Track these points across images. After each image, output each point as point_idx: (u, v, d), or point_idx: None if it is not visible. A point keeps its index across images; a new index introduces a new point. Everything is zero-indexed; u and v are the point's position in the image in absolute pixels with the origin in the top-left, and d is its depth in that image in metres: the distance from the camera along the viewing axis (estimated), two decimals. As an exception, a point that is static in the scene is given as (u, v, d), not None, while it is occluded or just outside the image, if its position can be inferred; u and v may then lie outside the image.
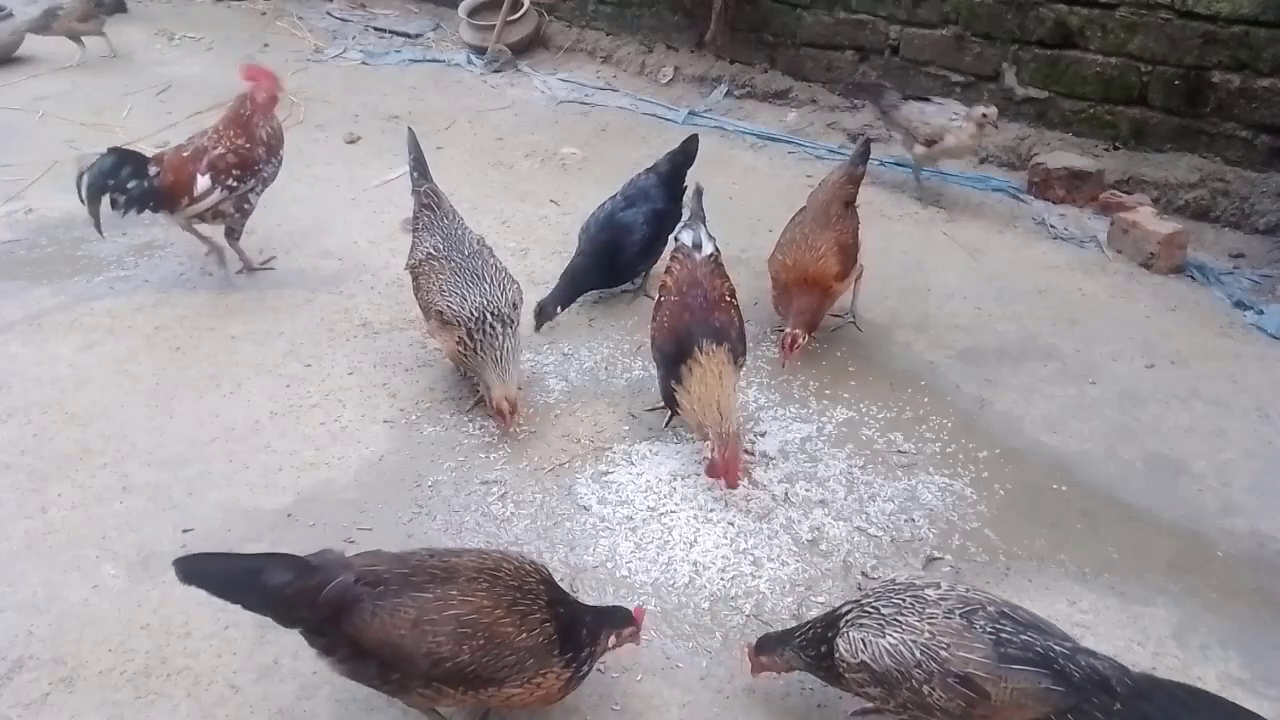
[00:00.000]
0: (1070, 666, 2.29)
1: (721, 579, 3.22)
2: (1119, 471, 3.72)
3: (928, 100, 5.54)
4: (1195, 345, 4.45)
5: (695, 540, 3.37)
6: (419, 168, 4.19)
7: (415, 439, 3.81)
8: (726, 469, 3.39)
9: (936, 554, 3.33)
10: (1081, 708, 2.27)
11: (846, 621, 2.49)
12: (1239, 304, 4.73)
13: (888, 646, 2.38)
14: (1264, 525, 3.47)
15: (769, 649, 2.69)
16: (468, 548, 2.71)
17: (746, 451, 3.76)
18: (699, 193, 4.02)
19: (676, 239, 3.89)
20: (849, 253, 4.18)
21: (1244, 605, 3.16)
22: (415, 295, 4.02)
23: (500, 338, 3.69)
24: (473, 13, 7.72)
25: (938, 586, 2.48)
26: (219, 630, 2.97)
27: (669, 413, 3.88)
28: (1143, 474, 3.71)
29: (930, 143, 5.41)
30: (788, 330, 3.98)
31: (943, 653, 2.31)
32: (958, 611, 2.37)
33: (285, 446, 3.76)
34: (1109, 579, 3.25)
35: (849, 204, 4.34)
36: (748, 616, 3.09)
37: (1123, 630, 3.06)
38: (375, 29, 8.26)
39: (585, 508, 3.50)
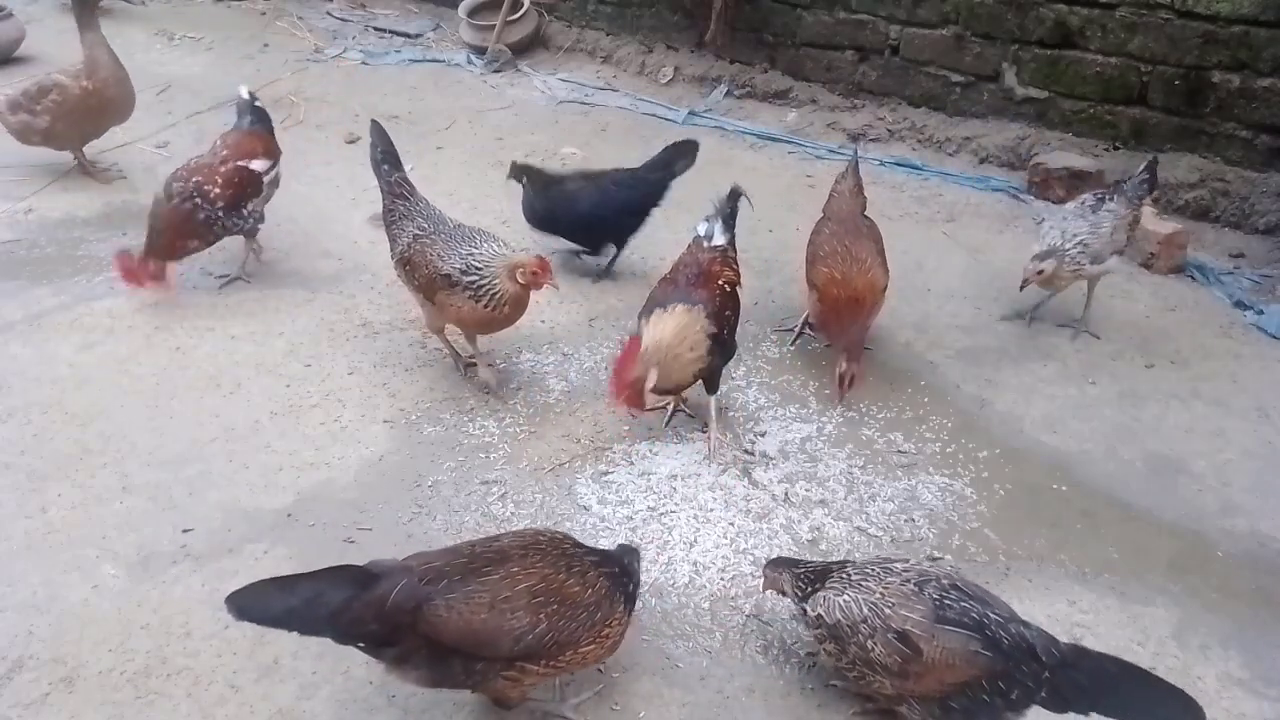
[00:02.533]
0: (1001, 634, 2.42)
1: (721, 579, 3.22)
2: (1119, 471, 3.72)
3: (1092, 200, 4.35)
4: (1195, 345, 4.45)
5: (695, 540, 3.37)
6: (388, 160, 4.10)
7: (415, 439, 3.81)
8: (614, 376, 3.49)
9: (936, 554, 3.33)
10: (1012, 675, 2.40)
11: (826, 583, 2.68)
12: (1239, 304, 4.73)
13: (841, 602, 2.59)
14: (1264, 525, 3.48)
15: (777, 567, 2.88)
16: (503, 533, 2.74)
17: (746, 451, 3.77)
18: (735, 194, 4.02)
19: (695, 231, 3.96)
20: (885, 259, 4.15)
21: (1244, 605, 3.17)
22: (411, 281, 3.92)
23: (489, 248, 3.74)
24: (473, 13, 7.72)
25: (906, 561, 2.69)
26: (219, 630, 2.97)
27: (669, 412, 3.90)
28: (1143, 474, 3.72)
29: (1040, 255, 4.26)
30: (842, 368, 3.92)
31: (887, 610, 2.51)
32: (912, 580, 2.55)
33: (285, 446, 3.76)
34: (1109, 579, 3.25)
35: (863, 211, 4.37)
36: (748, 616, 3.09)
37: (1123, 630, 3.06)
38: (375, 29, 8.25)
39: (585, 508, 3.50)
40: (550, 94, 7.10)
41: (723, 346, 3.69)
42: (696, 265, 3.77)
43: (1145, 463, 3.77)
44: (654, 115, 6.76)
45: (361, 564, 2.48)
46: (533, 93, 7.16)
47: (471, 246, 3.78)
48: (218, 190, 4.42)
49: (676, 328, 3.49)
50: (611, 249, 4.89)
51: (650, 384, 3.46)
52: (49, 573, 3.19)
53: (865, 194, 4.44)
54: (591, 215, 4.73)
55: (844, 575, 2.67)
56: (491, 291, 3.71)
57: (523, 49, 7.65)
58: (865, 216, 4.35)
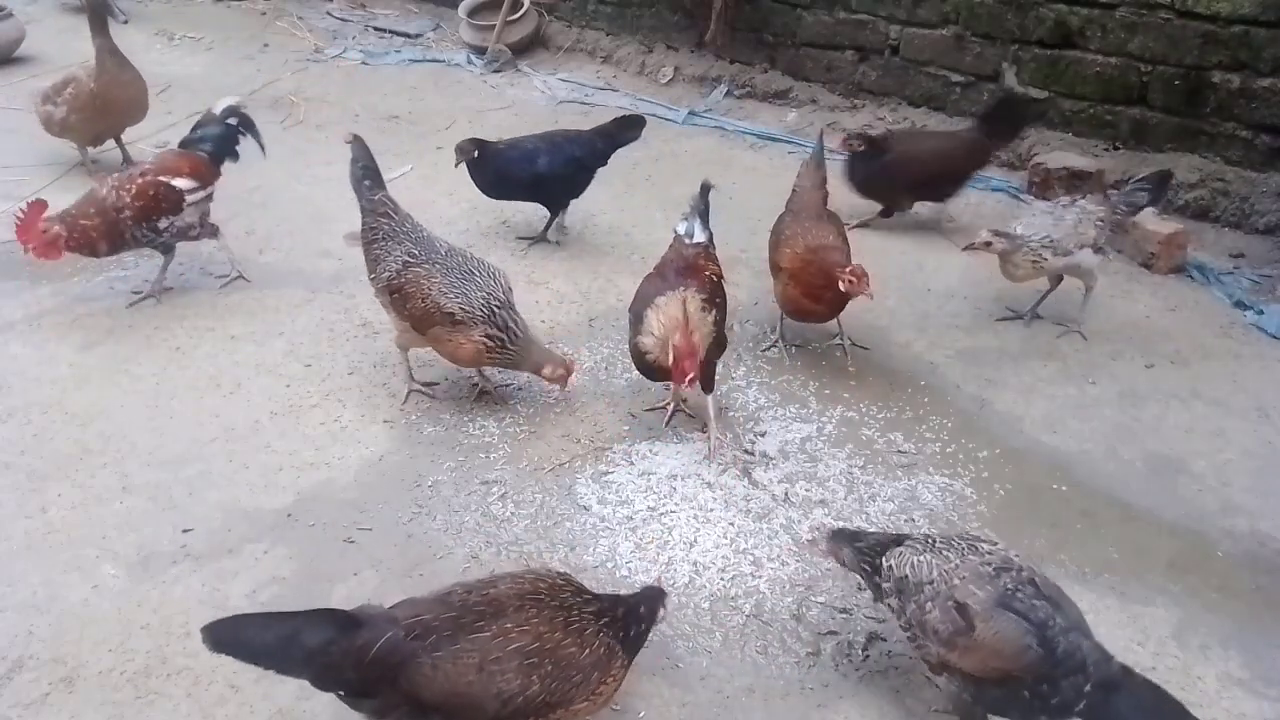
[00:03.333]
0: (1059, 639, 2.38)
1: (721, 579, 3.22)
2: (1119, 471, 3.72)
3: (1067, 199, 4.47)
4: (1195, 345, 4.45)
5: (695, 540, 3.37)
6: (369, 175, 3.94)
7: (415, 439, 3.81)
8: (679, 360, 3.37)
9: (936, 554, 3.33)
10: (1057, 681, 2.36)
11: (907, 544, 2.69)
12: (1239, 304, 4.73)
13: (914, 561, 2.60)
14: (1264, 525, 3.48)
15: (838, 540, 2.87)
16: (498, 574, 2.60)
17: (746, 451, 3.77)
18: (706, 189, 4.04)
19: (675, 230, 3.98)
20: (848, 245, 4.16)
21: (1244, 605, 3.17)
22: (401, 308, 3.75)
23: (515, 321, 3.71)
24: (473, 13, 7.72)
25: (994, 544, 2.66)
26: (219, 630, 2.97)
27: (669, 412, 3.90)
28: (1143, 474, 3.72)
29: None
30: (851, 268, 3.84)
31: (955, 580, 2.50)
32: (993, 565, 2.52)
33: (285, 446, 3.76)
34: (1109, 579, 3.25)
35: (824, 203, 4.39)
36: (748, 616, 3.09)
37: (1123, 630, 3.06)
38: (375, 29, 8.26)
39: (585, 508, 3.50)
40: (550, 94, 7.10)
41: (718, 330, 3.69)
42: (682, 260, 3.80)
43: (1145, 463, 3.77)
44: (654, 115, 6.73)
45: (349, 609, 2.40)
46: (533, 93, 7.16)
47: (489, 296, 3.66)
48: (128, 200, 4.34)
49: (678, 307, 3.48)
50: (562, 210, 5.20)
51: (693, 340, 3.39)
52: (49, 573, 3.19)
53: (828, 188, 4.44)
54: (548, 170, 4.94)
55: (928, 540, 2.68)
56: (504, 358, 3.74)
57: (523, 49, 7.65)
58: (827, 210, 4.37)
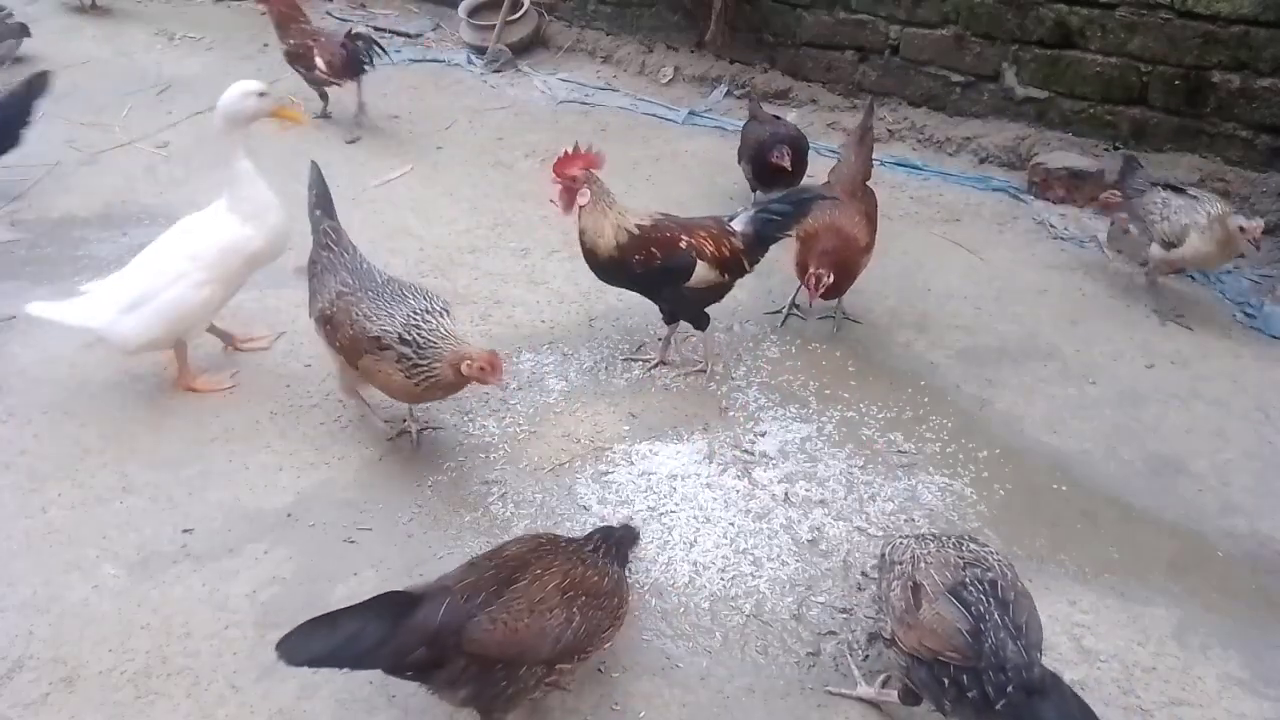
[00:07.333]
0: (990, 636, 2.42)
1: (721, 579, 3.22)
2: (1119, 471, 3.72)
3: (1180, 191, 4.60)
4: (1195, 345, 4.45)
5: (695, 540, 3.37)
6: (321, 204, 3.77)
7: (415, 439, 3.81)
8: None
9: (936, 554, 3.33)
10: (980, 674, 2.39)
11: (901, 537, 2.88)
12: (1239, 304, 4.73)
13: (900, 543, 2.78)
14: (1264, 525, 3.48)
15: None
16: (500, 543, 2.78)
17: (746, 451, 3.77)
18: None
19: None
20: (873, 225, 4.26)
21: (1244, 605, 3.17)
22: (334, 342, 3.54)
23: (439, 326, 3.38)
24: (473, 13, 7.71)
25: (985, 546, 2.73)
26: (219, 630, 2.97)
27: (652, 363, 4.17)
28: (1143, 474, 3.72)
29: (1168, 245, 4.48)
30: (812, 270, 3.91)
31: (921, 565, 2.63)
32: (965, 560, 2.61)
33: (285, 446, 3.76)
34: (1109, 579, 3.26)
35: (867, 179, 4.47)
36: (748, 616, 3.09)
37: (1123, 630, 3.06)
38: (375, 29, 8.23)
39: (585, 508, 3.50)
40: (550, 94, 7.10)
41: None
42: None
43: (1145, 463, 3.77)
44: (654, 115, 6.75)
45: (401, 589, 2.48)
46: (533, 93, 7.16)
47: (413, 311, 3.39)
48: None
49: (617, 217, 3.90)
50: None
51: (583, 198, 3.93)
52: (49, 573, 3.19)
53: (871, 164, 4.52)
54: None
55: (921, 536, 2.79)
56: (428, 373, 3.34)
57: (523, 49, 7.65)
58: (866, 186, 4.42)
